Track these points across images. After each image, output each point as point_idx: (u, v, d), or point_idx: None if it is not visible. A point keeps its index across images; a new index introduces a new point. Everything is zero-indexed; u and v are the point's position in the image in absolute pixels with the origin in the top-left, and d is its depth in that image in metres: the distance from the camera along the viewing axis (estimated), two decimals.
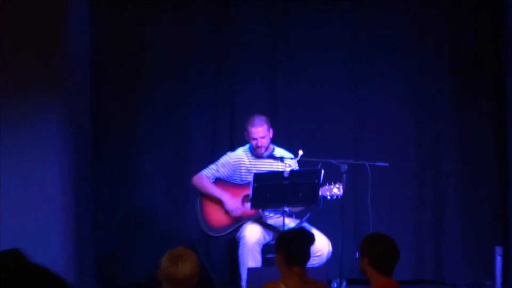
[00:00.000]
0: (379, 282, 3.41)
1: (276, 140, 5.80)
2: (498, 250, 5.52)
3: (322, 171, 5.20)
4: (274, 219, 5.57)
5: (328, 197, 5.31)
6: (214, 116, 6.50)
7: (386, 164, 5.53)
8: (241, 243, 5.38)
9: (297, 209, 5.55)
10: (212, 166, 5.65)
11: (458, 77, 6.45)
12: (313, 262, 5.09)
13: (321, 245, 5.29)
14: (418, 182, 6.45)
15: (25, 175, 5.23)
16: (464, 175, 6.41)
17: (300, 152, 5.38)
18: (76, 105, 5.57)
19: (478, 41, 6.42)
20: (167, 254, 3.27)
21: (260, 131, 5.53)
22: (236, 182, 5.59)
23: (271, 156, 5.58)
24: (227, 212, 5.51)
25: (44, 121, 5.29)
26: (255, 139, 5.54)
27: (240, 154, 5.67)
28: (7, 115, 5.20)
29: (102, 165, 6.32)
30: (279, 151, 5.67)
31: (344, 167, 5.37)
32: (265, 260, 5.39)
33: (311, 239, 3.73)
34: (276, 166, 5.59)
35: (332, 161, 5.42)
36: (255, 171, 5.41)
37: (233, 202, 5.49)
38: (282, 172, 5.24)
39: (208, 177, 5.59)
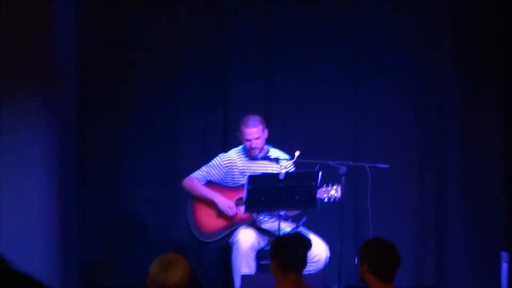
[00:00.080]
0: None
1: (271, 141, 5.80)
2: (504, 256, 5.52)
3: (320, 173, 5.20)
4: (269, 223, 5.57)
5: (326, 200, 5.31)
6: (206, 116, 6.50)
7: (387, 166, 5.53)
8: (234, 248, 5.38)
9: (293, 212, 5.55)
10: (203, 168, 5.65)
11: (461, 76, 6.46)
12: (310, 268, 5.10)
13: (319, 250, 5.30)
14: (419, 184, 6.47)
15: (8, 178, 5.23)
16: (468, 177, 6.42)
17: (297, 153, 5.38)
18: (61, 105, 5.58)
19: (482, 38, 6.43)
20: (157, 260, 3.27)
21: (255, 132, 5.53)
22: (229, 185, 5.59)
23: (266, 158, 5.58)
24: (219, 216, 5.51)
25: (28, 122, 5.30)
26: (249, 140, 5.54)
27: (233, 156, 5.67)
28: None
29: (88, 168, 6.33)
30: (274, 152, 5.67)
31: (343, 169, 5.37)
32: (259, 266, 5.39)
33: (308, 244, 3.73)
34: (271, 167, 5.59)
35: (330, 162, 5.42)
36: (248, 173, 5.42)
37: (226, 201, 5.49)
38: (277, 174, 5.24)
39: (198, 179, 5.60)
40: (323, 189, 5.30)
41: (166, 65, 6.46)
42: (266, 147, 5.68)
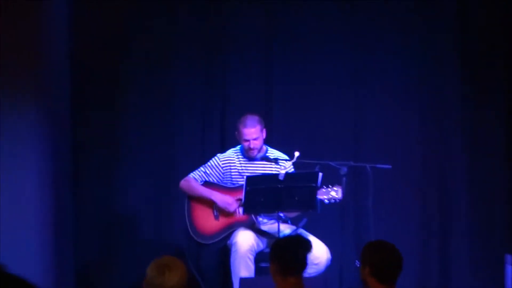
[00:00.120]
0: None
1: (270, 141, 5.80)
2: (509, 258, 5.53)
3: (320, 174, 5.20)
4: (268, 225, 5.57)
5: (326, 201, 5.31)
6: (204, 115, 6.50)
7: (389, 166, 5.54)
8: (232, 250, 5.38)
9: (293, 214, 5.55)
10: (201, 169, 5.65)
11: (467, 73, 6.47)
12: (311, 271, 5.10)
13: (319, 252, 5.29)
14: (422, 185, 6.46)
15: (0, 179, 5.22)
16: (473, 178, 6.42)
17: (296, 154, 5.38)
18: (55, 104, 5.59)
19: (487, 37, 6.43)
20: (153, 263, 3.27)
21: (253, 132, 5.53)
22: (227, 186, 5.59)
23: (265, 158, 5.58)
24: (217, 217, 5.50)
25: (21, 122, 5.30)
26: (247, 140, 5.54)
27: (231, 156, 5.67)
28: None
29: (83, 168, 6.32)
30: (273, 153, 5.67)
31: (344, 170, 5.37)
32: (258, 269, 5.39)
33: (308, 246, 3.73)
34: (270, 168, 5.59)
35: (331, 163, 5.42)
36: (247, 174, 5.41)
37: (225, 197, 5.48)
38: (276, 175, 5.23)
39: (195, 179, 5.59)
40: (324, 190, 5.30)
41: (163, 64, 6.45)
42: (264, 147, 5.67)
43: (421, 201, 6.46)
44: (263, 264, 5.37)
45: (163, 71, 6.46)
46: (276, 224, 5.31)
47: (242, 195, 5.27)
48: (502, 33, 6.41)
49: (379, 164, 5.54)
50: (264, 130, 5.60)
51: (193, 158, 6.28)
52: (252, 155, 5.59)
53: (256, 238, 5.44)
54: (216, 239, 5.50)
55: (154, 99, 6.46)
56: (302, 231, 5.42)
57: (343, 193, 5.31)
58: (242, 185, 5.27)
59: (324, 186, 5.29)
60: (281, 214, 5.39)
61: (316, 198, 5.23)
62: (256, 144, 5.55)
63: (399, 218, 6.39)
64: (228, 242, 5.47)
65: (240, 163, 5.63)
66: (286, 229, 5.48)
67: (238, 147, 5.70)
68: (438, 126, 6.50)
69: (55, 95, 5.61)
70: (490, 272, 6.26)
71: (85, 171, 6.35)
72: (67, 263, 5.75)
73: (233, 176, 5.61)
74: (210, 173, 5.62)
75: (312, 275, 5.15)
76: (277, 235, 5.24)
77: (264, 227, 5.55)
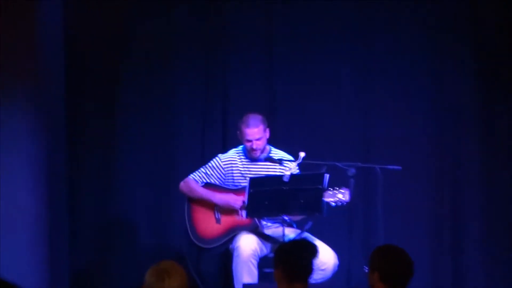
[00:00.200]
0: None
1: (273, 141, 5.80)
2: None
3: (327, 176, 5.20)
4: (272, 229, 5.56)
5: (333, 204, 5.30)
6: (204, 115, 6.51)
7: (399, 167, 5.53)
8: (235, 255, 5.38)
9: (298, 217, 5.54)
10: (202, 170, 5.65)
11: (479, 70, 6.46)
12: (317, 277, 5.10)
13: (326, 258, 5.29)
14: (435, 187, 6.45)
15: None
16: (487, 178, 6.41)
17: (302, 154, 5.38)
18: (50, 105, 5.60)
19: (502, 35, 6.42)
20: (152, 269, 3.26)
21: (256, 132, 5.53)
22: (229, 188, 5.59)
23: (269, 159, 5.58)
24: (219, 220, 5.50)
25: (15, 122, 5.31)
26: (250, 141, 5.54)
27: (233, 156, 5.67)
28: None
29: (78, 170, 6.33)
30: (277, 153, 5.66)
31: (352, 171, 5.37)
32: (262, 275, 5.38)
33: (314, 251, 3.73)
34: (273, 169, 5.59)
35: (338, 164, 5.42)
36: (250, 176, 5.41)
37: (228, 196, 5.48)
38: (281, 176, 5.23)
39: (196, 181, 5.59)
40: (330, 193, 5.29)
41: (162, 64, 6.47)
42: (268, 147, 5.67)
43: (432, 203, 6.45)
44: (267, 270, 5.37)
45: (163, 71, 6.47)
46: (281, 228, 5.31)
47: (244, 198, 5.27)
48: None
49: (389, 165, 5.54)
50: (268, 130, 5.60)
51: (193, 158, 6.29)
52: (254, 156, 5.59)
53: (260, 242, 5.44)
54: (218, 243, 5.49)
55: (153, 99, 6.47)
56: (307, 235, 5.41)
57: (351, 196, 5.30)
58: (245, 187, 5.27)
59: (330, 188, 5.29)
60: (286, 218, 5.38)
61: (322, 200, 5.22)
62: (259, 144, 5.55)
63: (409, 221, 6.38)
64: (230, 246, 5.47)
65: (243, 164, 5.63)
66: (291, 233, 5.47)
67: (240, 147, 5.70)
68: (451, 125, 6.49)
69: (51, 94, 5.63)
70: (505, 274, 6.25)
71: (81, 171, 6.36)
72: (62, 267, 5.76)
73: (235, 178, 5.61)
74: (211, 174, 5.62)
75: (318, 281, 5.15)
76: (281, 240, 5.23)
77: (268, 231, 5.55)
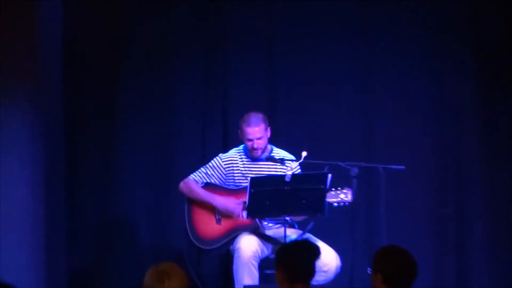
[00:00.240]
0: None
1: (275, 140, 5.80)
2: None
3: (329, 175, 5.20)
4: (274, 230, 5.57)
5: (335, 204, 5.31)
6: (204, 114, 6.51)
7: (402, 167, 5.54)
8: (235, 256, 5.38)
9: (300, 218, 5.55)
10: (202, 170, 5.65)
11: (480, 69, 6.47)
12: (319, 278, 5.10)
13: (328, 259, 5.29)
14: (438, 187, 6.47)
15: None
16: (491, 178, 6.42)
17: (304, 154, 5.38)
18: (48, 103, 5.60)
19: (502, 29, 6.43)
20: (151, 270, 3.27)
21: (257, 131, 5.53)
22: (230, 188, 5.59)
23: (270, 158, 5.58)
24: (219, 221, 5.51)
25: (13, 121, 5.32)
26: (251, 140, 5.54)
27: (233, 156, 5.67)
28: None
29: (78, 170, 6.34)
30: (278, 152, 5.67)
31: (354, 171, 5.37)
32: (263, 276, 5.38)
33: (316, 252, 3.73)
34: (275, 169, 5.59)
35: (341, 163, 5.42)
36: (251, 175, 5.41)
37: (228, 202, 5.48)
38: (283, 176, 5.23)
39: (196, 182, 5.60)
40: (332, 193, 5.30)
41: (162, 63, 6.48)
42: (269, 146, 5.67)
43: (436, 203, 6.46)
44: (268, 271, 5.37)
45: (163, 71, 6.49)
46: (282, 229, 5.31)
47: (245, 198, 5.27)
48: None
49: (392, 165, 5.54)
50: (269, 129, 5.61)
51: (193, 158, 6.29)
52: (256, 155, 5.59)
53: (261, 243, 5.44)
54: (218, 245, 5.50)
55: (153, 98, 6.49)
56: (309, 236, 5.42)
57: (354, 196, 5.31)
58: (246, 187, 5.27)
59: (333, 189, 5.30)
60: (288, 218, 5.39)
61: (324, 201, 5.23)
62: (260, 143, 5.55)
63: (413, 222, 6.39)
64: (231, 247, 5.47)
65: (244, 164, 5.64)
66: (292, 234, 5.47)
67: (241, 147, 5.70)
68: (451, 125, 6.50)
69: (50, 94, 5.65)
70: (509, 274, 6.25)
71: (81, 171, 6.38)
72: (60, 268, 5.77)
73: (236, 178, 5.62)
74: (212, 174, 5.63)
75: (320, 283, 5.16)
76: (283, 241, 5.23)
77: (269, 232, 5.55)
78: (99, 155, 6.44)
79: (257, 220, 5.45)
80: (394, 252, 3.53)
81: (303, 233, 5.45)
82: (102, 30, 6.38)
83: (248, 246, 5.36)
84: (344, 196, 5.30)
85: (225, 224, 5.51)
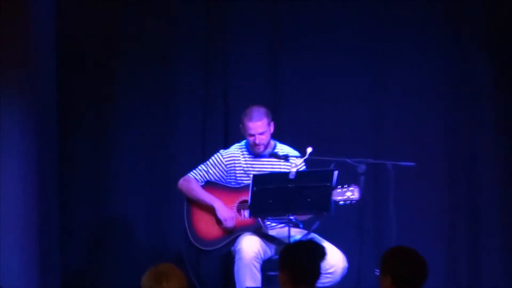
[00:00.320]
0: None
1: (278, 136, 5.80)
2: None
3: (336, 172, 5.20)
4: (277, 230, 5.57)
5: (341, 202, 5.30)
6: (205, 108, 6.52)
7: (412, 164, 5.53)
8: (237, 258, 5.37)
9: (304, 217, 5.54)
10: (202, 167, 5.65)
11: (495, 61, 6.48)
12: (325, 280, 5.11)
13: (334, 260, 5.29)
14: (450, 184, 6.48)
15: None
16: (506, 176, 6.43)
17: (309, 150, 5.37)
18: (40, 100, 5.61)
19: None
20: (149, 272, 3.26)
21: (259, 126, 5.52)
22: (231, 186, 5.59)
23: (273, 154, 5.57)
24: (220, 221, 5.50)
25: (4, 119, 5.33)
26: (253, 135, 5.54)
27: (235, 152, 5.67)
28: None
29: (71, 168, 6.36)
30: (282, 148, 5.66)
31: (362, 167, 5.37)
32: (266, 278, 5.38)
33: (321, 253, 3.73)
34: (278, 166, 5.59)
35: (348, 160, 5.42)
36: (253, 173, 5.40)
37: (226, 210, 5.48)
38: (287, 174, 5.23)
39: (197, 180, 5.59)
40: (339, 190, 5.29)
41: (161, 55, 6.50)
42: (273, 142, 5.67)
43: (447, 202, 6.47)
44: (271, 273, 5.37)
45: (161, 63, 6.50)
46: (286, 229, 5.30)
47: (247, 197, 5.27)
48: None
49: (401, 161, 5.54)
50: (272, 124, 5.60)
51: (193, 154, 6.31)
52: (258, 152, 5.59)
53: (263, 244, 5.44)
54: (219, 245, 5.50)
55: (151, 92, 6.51)
56: (315, 236, 5.41)
57: (361, 193, 5.30)
58: (248, 185, 5.27)
59: (339, 186, 5.29)
60: (292, 217, 5.39)
61: (330, 199, 5.22)
62: (262, 139, 5.54)
63: (423, 221, 6.41)
64: (232, 248, 5.47)
65: (246, 160, 5.63)
66: (297, 233, 5.47)
67: (243, 143, 5.69)
68: (466, 119, 6.51)
69: (43, 92, 5.65)
70: None
71: (75, 169, 6.40)
72: (53, 269, 5.78)
73: (237, 175, 5.61)
74: (212, 171, 5.62)
75: (326, 285, 5.17)
76: (287, 241, 5.23)
77: (272, 232, 5.55)
78: (94, 152, 6.45)
79: (259, 219, 5.44)
80: (403, 252, 3.52)
81: (308, 233, 5.45)
82: (97, 26, 6.41)
83: (250, 246, 5.35)
84: (350, 194, 5.30)
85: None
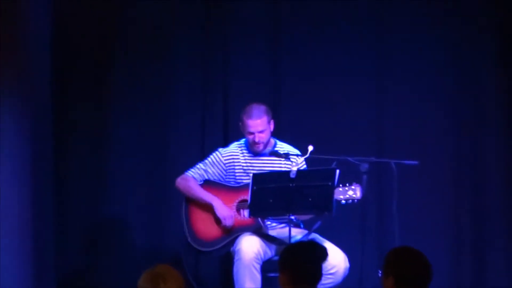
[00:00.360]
0: None
1: (279, 134, 5.79)
2: None
3: (337, 171, 5.19)
4: (278, 230, 5.56)
5: (343, 201, 5.30)
6: (204, 105, 6.52)
7: (416, 162, 5.53)
8: (236, 258, 5.37)
9: (305, 217, 5.54)
10: (201, 165, 5.65)
11: (504, 57, 6.47)
12: (326, 281, 5.11)
13: (336, 260, 5.28)
14: (454, 183, 6.48)
15: None
16: (511, 174, 6.41)
17: (310, 148, 5.37)
18: (35, 99, 5.63)
19: None
20: (146, 273, 3.26)
21: (259, 124, 5.52)
22: (230, 185, 5.58)
23: (274, 153, 5.57)
24: (219, 220, 5.50)
25: None
26: (252, 133, 5.54)
27: (234, 151, 5.67)
28: None
29: (66, 169, 6.37)
30: (282, 147, 5.65)
31: (365, 166, 5.37)
32: (266, 280, 5.39)
33: (323, 254, 3.73)
34: (279, 164, 5.58)
35: (350, 158, 5.42)
36: (253, 172, 5.40)
37: (225, 209, 5.48)
38: (287, 172, 5.22)
39: (195, 179, 5.59)
40: (340, 189, 5.29)
41: (158, 51, 6.51)
42: (273, 140, 5.66)
43: (452, 201, 6.47)
44: (271, 274, 5.37)
45: (159, 59, 6.51)
46: (287, 229, 5.30)
47: (247, 196, 5.26)
48: None
49: (405, 160, 5.53)
50: (272, 122, 5.59)
51: (191, 152, 6.31)
52: (257, 150, 5.59)
53: (263, 244, 5.44)
54: (218, 246, 5.50)
55: (148, 89, 6.51)
56: (316, 236, 5.41)
57: (363, 192, 5.30)
58: (247, 184, 5.26)
59: (340, 185, 5.29)
60: (293, 217, 5.38)
61: (332, 199, 5.21)
62: (262, 137, 5.54)
63: (427, 221, 6.41)
64: (231, 249, 5.47)
65: (245, 159, 5.63)
66: (298, 234, 5.47)
67: (242, 141, 5.69)
68: (471, 116, 6.51)
69: (36, 90, 5.65)
70: None
71: (70, 169, 6.39)
72: (48, 271, 5.77)
73: (236, 174, 5.61)
74: (211, 170, 5.62)
75: (328, 285, 5.17)
76: (287, 241, 5.23)
77: (272, 232, 5.55)
78: (90, 151, 6.46)
79: (259, 219, 5.44)
80: (406, 253, 3.51)
81: (309, 233, 5.44)
82: (95, 24, 6.41)
83: (250, 247, 5.35)
84: (352, 192, 5.29)
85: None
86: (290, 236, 5.25)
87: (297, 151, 5.60)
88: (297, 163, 5.54)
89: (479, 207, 6.45)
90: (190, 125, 6.50)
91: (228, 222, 5.45)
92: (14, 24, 5.41)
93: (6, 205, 5.35)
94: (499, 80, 6.47)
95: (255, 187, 5.18)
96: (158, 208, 6.42)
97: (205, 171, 5.62)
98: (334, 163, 5.30)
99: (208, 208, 5.53)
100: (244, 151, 5.66)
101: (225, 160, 5.64)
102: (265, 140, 5.57)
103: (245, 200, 5.39)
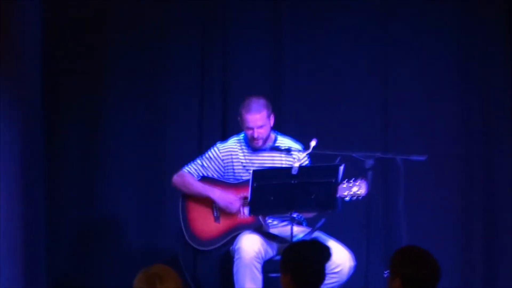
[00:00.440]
0: None
1: (280, 128, 5.79)
2: None
3: (341, 167, 5.19)
4: (279, 228, 5.57)
5: (347, 198, 5.29)
6: (201, 99, 6.53)
7: (423, 158, 5.52)
8: (236, 258, 5.37)
9: (308, 214, 5.55)
10: (198, 161, 5.65)
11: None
12: (331, 281, 5.11)
13: (340, 259, 5.28)
14: (463, 180, 6.49)
15: None
16: None
17: (313, 143, 5.36)
18: (25, 95, 5.65)
19: None
20: (142, 273, 3.26)
21: (258, 118, 5.51)
22: (230, 182, 5.58)
23: (275, 148, 5.57)
24: (218, 218, 5.50)
25: None
26: (251, 128, 5.53)
27: (233, 146, 5.66)
28: None
29: (58, 167, 6.38)
30: (284, 141, 5.65)
31: (370, 162, 5.36)
32: (267, 280, 5.39)
33: (326, 253, 3.73)
34: (280, 160, 5.58)
35: (354, 154, 5.41)
36: (253, 168, 5.39)
37: (227, 195, 5.47)
38: (289, 169, 5.22)
39: (191, 174, 5.59)
40: (344, 185, 5.28)
41: (154, 43, 6.52)
42: (273, 135, 5.65)
43: (461, 198, 6.48)
44: (272, 275, 5.37)
45: (157, 55, 6.50)
46: (289, 227, 5.31)
47: (247, 193, 5.26)
48: None
49: (412, 156, 5.53)
50: (272, 116, 5.59)
51: (189, 147, 6.32)
52: (256, 146, 5.58)
53: (264, 243, 5.43)
54: (217, 245, 5.50)
55: (144, 82, 6.53)
56: (319, 235, 5.41)
57: (368, 189, 5.29)
58: (248, 180, 5.26)
59: (345, 181, 5.28)
60: (295, 215, 5.38)
61: (336, 196, 5.21)
62: (261, 133, 5.53)
63: (435, 219, 6.43)
64: (231, 248, 5.47)
65: (244, 155, 5.63)
66: (300, 232, 5.47)
67: (241, 135, 5.69)
68: (481, 110, 6.52)
69: (28, 86, 5.68)
70: None
71: (62, 168, 6.41)
72: (39, 273, 5.78)
73: (236, 170, 5.61)
74: (209, 166, 5.62)
75: (332, 285, 5.17)
76: (289, 240, 5.23)
77: (274, 230, 5.55)
78: (83, 149, 6.48)
79: (260, 217, 5.44)
80: (414, 253, 3.51)
81: (312, 232, 5.44)
82: (89, 16, 6.40)
83: (250, 246, 5.35)
84: (357, 189, 5.28)
85: (225, 222, 5.50)
86: (292, 235, 5.25)
87: (299, 146, 5.60)
88: (299, 158, 5.52)
89: (489, 203, 6.46)
90: (187, 119, 6.51)
91: (233, 207, 5.44)
92: (3, 16, 5.41)
93: None
94: (509, 76, 6.47)
95: (255, 184, 5.18)
96: (154, 206, 6.43)
97: (202, 166, 5.62)
98: (338, 158, 5.29)
99: (207, 205, 5.53)
100: (244, 146, 5.65)
101: (222, 156, 5.64)
102: (264, 136, 5.56)
103: (245, 197, 5.39)
